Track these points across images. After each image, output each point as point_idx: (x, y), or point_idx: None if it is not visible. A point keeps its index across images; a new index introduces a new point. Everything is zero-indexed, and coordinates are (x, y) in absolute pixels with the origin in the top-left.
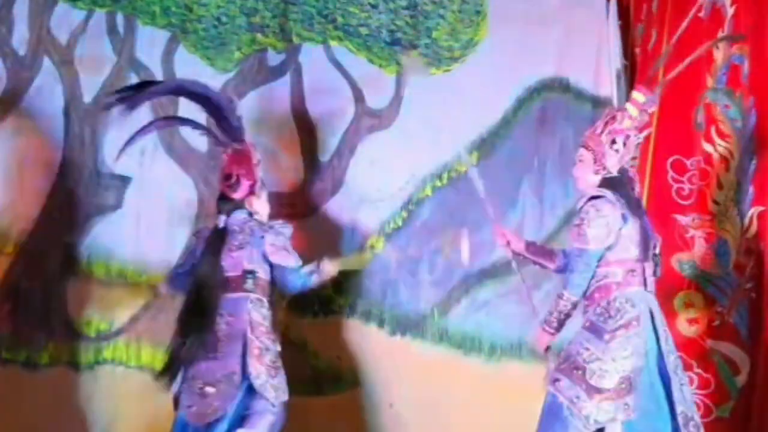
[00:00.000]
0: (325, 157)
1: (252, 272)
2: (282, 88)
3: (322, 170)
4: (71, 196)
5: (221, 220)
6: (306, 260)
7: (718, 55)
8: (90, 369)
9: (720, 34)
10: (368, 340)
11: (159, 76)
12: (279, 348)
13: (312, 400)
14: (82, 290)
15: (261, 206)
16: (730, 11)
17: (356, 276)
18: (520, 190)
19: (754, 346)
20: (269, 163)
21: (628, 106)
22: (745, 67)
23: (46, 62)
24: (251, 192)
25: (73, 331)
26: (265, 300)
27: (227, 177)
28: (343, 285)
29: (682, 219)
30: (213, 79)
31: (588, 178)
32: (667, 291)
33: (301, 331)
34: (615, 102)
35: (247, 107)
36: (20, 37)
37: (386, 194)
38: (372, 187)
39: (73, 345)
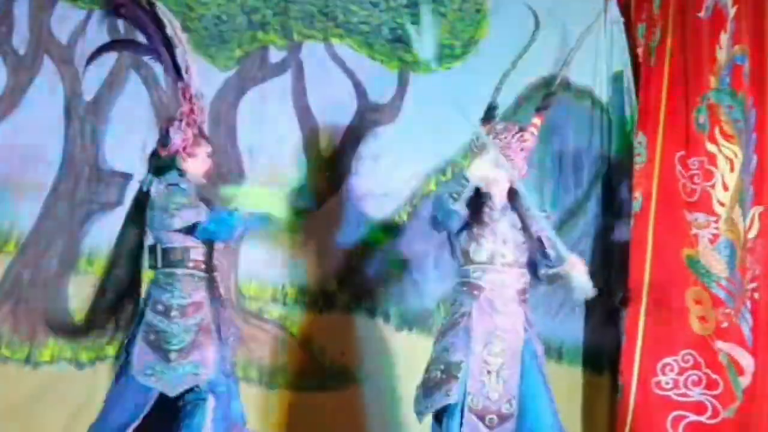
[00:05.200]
0: (327, 153)
1: None
2: (283, 85)
3: (325, 167)
4: (72, 194)
5: None
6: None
7: (721, 55)
8: (91, 366)
9: (722, 35)
10: (373, 336)
11: (160, 74)
12: None
13: (316, 395)
14: (84, 287)
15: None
16: (732, 11)
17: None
18: None
19: (758, 347)
20: (272, 160)
21: (532, 129)
22: (747, 66)
23: (47, 61)
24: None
25: (75, 328)
26: None
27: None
28: (348, 280)
29: (688, 216)
30: (214, 76)
31: (504, 185)
32: (678, 285)
33: (305, 326)
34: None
35: (248, 104)
36: (20, 37)
37: (390, 190)
38: (375, 183)
39: (75, 342)
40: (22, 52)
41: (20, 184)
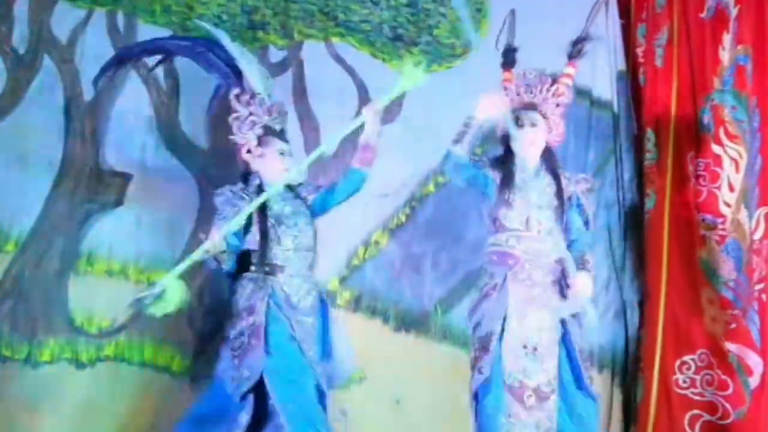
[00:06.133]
0: (328, 152)
1: None
2: (284, 84)
3: (326, 166)
4: (72, 194)
5: None
6: None
7: (725, 56)
8: (92, 366)
9: (725, 35)
10: (372, 336)
11: (160, 74)
12: None
13: None
14: (84, 287)
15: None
16: (734, 12)
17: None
18: None
19: (766, 348)
20: None
21: (566, 80)
22: (749, 67)
23: (47, 61)
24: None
25: (75, 328)
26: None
27: None
28: (348, 280)
29: (697, 216)
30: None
31: (539, 147)
32: (693, 285)
33: None
34: (614, 104)
35: None
36: (20, 36)
37: (390, 189)
38: (376, 183)
39: (75, 342)
40: (21, 51)
41: (20, 183)
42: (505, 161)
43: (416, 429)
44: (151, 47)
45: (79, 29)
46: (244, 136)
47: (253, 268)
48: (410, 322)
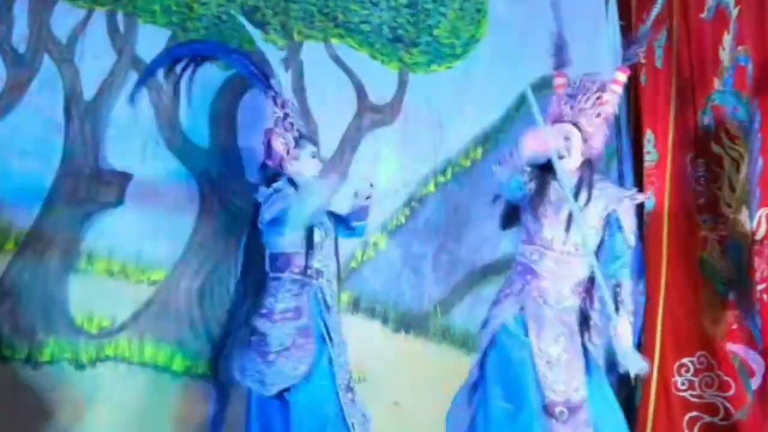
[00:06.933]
0: (327, 154)
1: None
2: (283, 84)
3: (325, 167)
4: (72, 194)
5: None
6: None
7: (725, 56)
8: (92, 366)
9: (725, 36)
10: (372, 337)
11: (160, 73)
12: None
13: None
14: (84, 287)
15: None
16: (734, 12)
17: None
18: None
19: (767, 348)
20: None
21: (614, 87)
22: (750, 68)
23: (47, 60)
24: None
25: (75, 328)
26: None
27: None
28: (349, 281)
29: (698, 217)
30: (214, 76)
31: (574, 160)
32: (692, 286)
33: None
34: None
35: (248, 104)
36: (20, 35)
37: (389, 191)
38: (375, 183)
39: (75, 342)
40: (21, 50)
41: (20, 182)
42: (542, 173)
43: (415, 430)
44: (192, 51)
45: (79, 29)
46: (284, 137)
47: (296, 270)
48: (410, 323)
